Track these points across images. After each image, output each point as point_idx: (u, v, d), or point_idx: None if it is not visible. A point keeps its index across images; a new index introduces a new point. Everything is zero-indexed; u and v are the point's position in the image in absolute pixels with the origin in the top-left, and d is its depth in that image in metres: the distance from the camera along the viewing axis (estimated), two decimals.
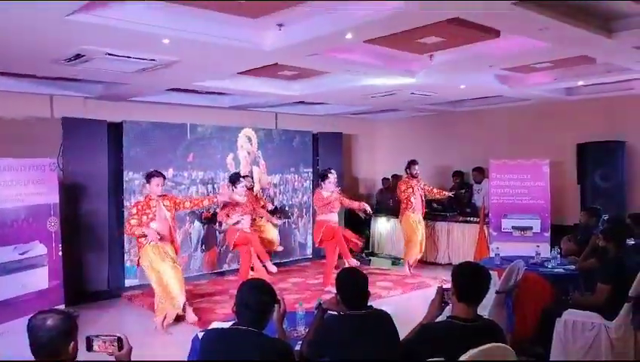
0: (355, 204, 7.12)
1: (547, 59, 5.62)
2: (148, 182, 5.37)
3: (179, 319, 5.53)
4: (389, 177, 9.87)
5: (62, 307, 4.62)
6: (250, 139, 8.23)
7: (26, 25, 3.94)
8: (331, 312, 2.82)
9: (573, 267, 4.97)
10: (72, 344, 2.06)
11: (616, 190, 7.35)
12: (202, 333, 2.69)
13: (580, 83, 7.01)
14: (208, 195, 7.02)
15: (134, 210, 5.26)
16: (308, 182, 9.00)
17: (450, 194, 8.28)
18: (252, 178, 7.66)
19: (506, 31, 4.68)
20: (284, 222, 8.50)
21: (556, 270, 5.00)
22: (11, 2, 3.41)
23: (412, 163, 7.90)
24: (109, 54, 4.78)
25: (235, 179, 6.49)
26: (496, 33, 4.86)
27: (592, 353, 3.86)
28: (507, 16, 3.91)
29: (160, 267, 5.22)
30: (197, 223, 7.54)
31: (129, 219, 5.30)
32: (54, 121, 6.55)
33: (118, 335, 2.28)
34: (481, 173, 8.73)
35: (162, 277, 5.23)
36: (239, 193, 6.35)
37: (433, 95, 7.67)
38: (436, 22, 4.10)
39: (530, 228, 7.55)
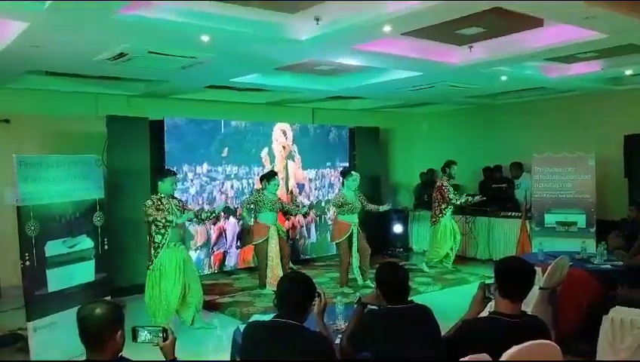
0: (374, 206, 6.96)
1: (593, 48, 5.41)
2: (167, 179, 5.06)
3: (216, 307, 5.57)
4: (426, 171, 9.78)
5: (108, 299, 4.76)
6: (285, 133, 8.23)
7: (72, 25, 4.07)
8: (371, 307, 2.81)
9: (621, 263, 4.80)
10: (119, 333, 2.12)
11: None
12: (243, 326, 2.72)
13: (628, 72, 6.74)
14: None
15: (150, 203, 4.94)
16: None
17: (474, 199, 7.54)
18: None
19: (550, 20, 4.54)
20: (319, 217, 8.50)
21: (603, 266, 4.83)
22: (61, 2, 3.52)
23: (451, 163, 7.44)
24: (151, 52, 4.89)
25: (267, 176, 6.55)
26: (539, 22, 4.73)
27: None
28: (551, 5, 3.79)
29: (164, 283, 4.95)
30: (232, 219, 7.57)
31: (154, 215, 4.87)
32: (99, 119, 6.76)
33: (163, 326, 2.33)
34: (518, 168, 8.49)
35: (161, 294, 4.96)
36: (271, 190, 6.41)
37: (473, 87, 7.52)
38: (476, 12, 4.01)
39: (575, 223, 7.30)
